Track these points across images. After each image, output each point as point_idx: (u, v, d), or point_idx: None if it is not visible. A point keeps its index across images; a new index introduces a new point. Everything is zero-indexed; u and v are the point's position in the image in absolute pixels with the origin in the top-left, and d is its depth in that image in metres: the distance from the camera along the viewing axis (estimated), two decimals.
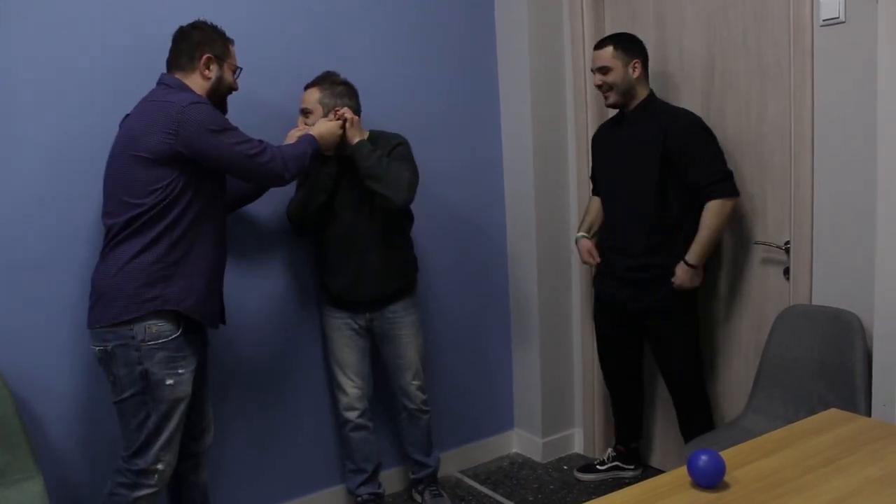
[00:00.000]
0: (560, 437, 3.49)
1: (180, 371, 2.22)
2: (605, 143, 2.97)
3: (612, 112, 2.96)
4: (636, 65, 2.74)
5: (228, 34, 2.38)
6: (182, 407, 2.24)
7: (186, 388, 2.24)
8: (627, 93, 2.76)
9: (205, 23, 2.34)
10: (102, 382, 2.43)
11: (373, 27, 2.99)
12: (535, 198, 3.28)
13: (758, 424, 2.45)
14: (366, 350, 2.86)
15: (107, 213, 2.21)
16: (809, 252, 2.50)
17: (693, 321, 2.82)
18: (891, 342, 2.04)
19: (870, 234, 2.27)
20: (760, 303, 2.76)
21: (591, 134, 3.21)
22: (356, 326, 2.80)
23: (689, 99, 2.89)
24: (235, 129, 2.23)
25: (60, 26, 2.38)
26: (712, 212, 2.63)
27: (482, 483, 3.26)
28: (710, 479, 1.50)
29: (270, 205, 2.80)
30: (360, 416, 2.84)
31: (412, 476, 3.06)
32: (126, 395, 2.20)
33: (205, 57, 2.28)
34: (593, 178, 3.09)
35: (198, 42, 2.29)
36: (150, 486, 2.21)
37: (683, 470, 1.58)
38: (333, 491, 3.04)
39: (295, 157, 2.36)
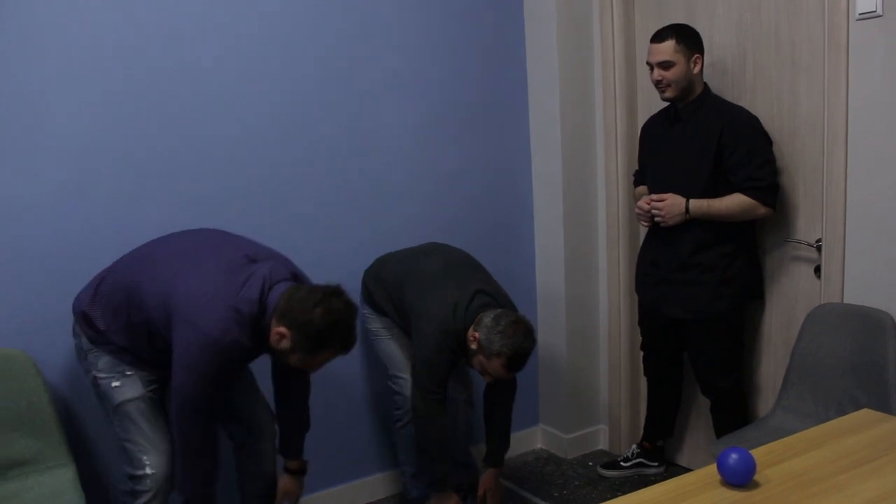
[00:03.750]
0: (585, 433, 3.48)
1: (128, 373, 2.20)
2: (656, 137, 2.86)
3: (646, 105, 2.90)
4: (697, 59, 2.63)
5: (264, 30, 2.36)
6: (141, 406, 2.20)
7: (138, 388, 2.20)
8: (686, 88, 2.65)
9: (337, 309, 2.06)
10: None
11: (402, 23, 2.99)
12: (562, 195, 3.27)
13: (787, 422, 2.43)
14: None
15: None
16: (842, 250, 2.47)
17: (736, 339, 2.77)
18: None
19: None
20: (791, 301, 2.73)
21: (619, 131, 3.20)
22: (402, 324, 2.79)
23: (719, 94, 2.85)
24: (206, 382, 2.05)
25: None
26: (737, 200, 2.57)
27: (507, 479, 3.26)
28: (741, 478, 1.49)
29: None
30: None
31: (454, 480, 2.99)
32: (97, 399, 2.28)
33: (280, 328, 2.06)
34: (640, 170, 3.01)
35: (294, 313, 2.04)
36: (144, 491, 2.19)
37: (713, 468, 1.56)
38: (373, 480, 3.10)
39: (196, 455, 2.12)
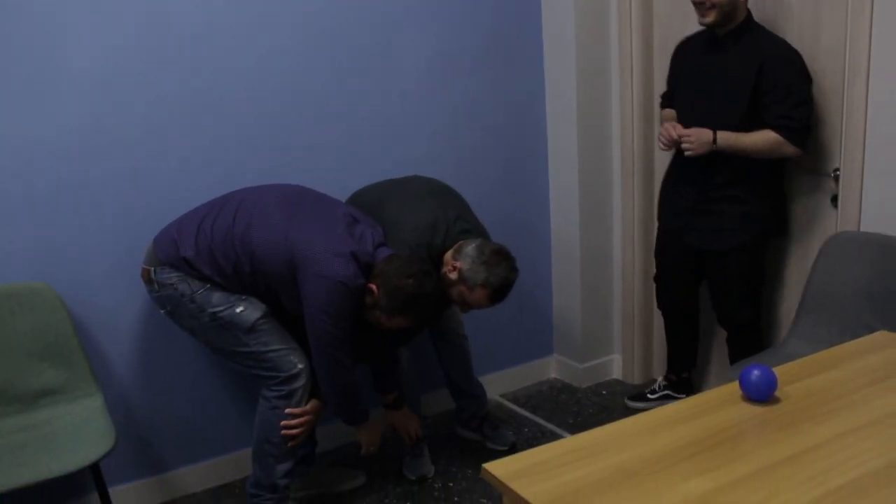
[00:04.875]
0: (599, 363, 3.54)
1: (244, 297, 2.34)
2: (691, 62, 2.77)
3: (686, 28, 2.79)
4: None
5: (282, 38, 2.54)
6: (270, 318, 2.36)
7: (260, 306, 2.35)
8: (730, 13, 2.52)
9: (428, 287, 2.29)
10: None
11: None
12: (577, 127, 3.24)
13: (801, 349, 2.46)
14: None
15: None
16: (860, 179, 2.47)
17: (758, 272, 2.77)
18: None
19: None
20: (806, 231, 2.75)
21: (635, 62, 3.16)
22: None
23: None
24: (345, 327, 2.26)
25: None
26: (766, 136, 2.51)
27: (522, 406, 3.34)
28: (762, 394, 1.53)
29: None
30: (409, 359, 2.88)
31: (464, 413, 3.05)
32: (222, 345, 2.41)
33: (373, 285, 2.27)
34: (669, 93, 2.93)
35: (389, 277, 2.26)
36: (300, 386, 2.37)
37: (734, 385, 1.60)
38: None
39: (345, 390, 2.37)
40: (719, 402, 1.56)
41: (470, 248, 2.43)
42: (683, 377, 3.19)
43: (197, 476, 2.76)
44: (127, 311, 2.57)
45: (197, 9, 2.53)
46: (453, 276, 2.43)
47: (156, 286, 2.31)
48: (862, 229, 2.48)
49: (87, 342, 2.48)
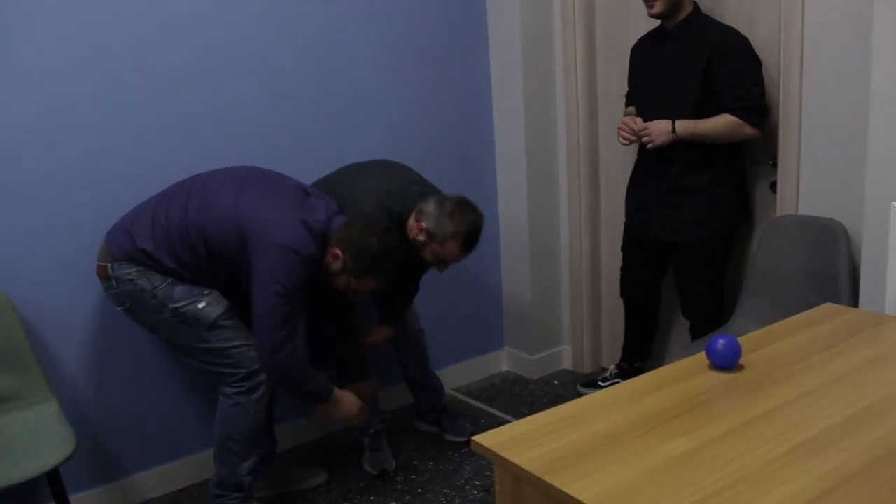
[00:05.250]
0: (549, 354, 3.62)
1: (206, 292, 2.31)
2: (644, 58, 2.87)
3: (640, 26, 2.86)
4: None
5: (235, 28, 2.54)
6: (232, 315, 2.35)
7: (223, 302, 2.34)
8: (675, 4, 2.63)
9: (390, 244, 2.30)
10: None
11: None
12: (524, 123, 3.32)
13: (747, 328, 2.58)
14: None
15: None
16: (796, 165, 2.61)
17: (724, 260, 2.84)
18: (878, 245, 2.16)
19: (856, 146, 2.37)
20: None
21: (578, 51, 3.25)
22: None
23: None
24: (294, 300, 2.23)
25: None
26: (724, 120, 2.59)
27: (477, 399, 3.39)
28: (728, 361, 1.61)
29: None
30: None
31: (422, 405, 3.07)
32: (183, 341, 2.38)
33: (336, 250, 2.28)
34: (630, 91, 3.02)
35: (351, 239, 2.28)
36: (262, 382, 2.34)
37: (700, 356, 1.68)
38: None
39: (293, 376, 2.30)
40: (687, 371, 1.64)
41: (430, 206, 2.47)
42: (636, 366, 3.27)
43: (155, 481, 2.71)
44: (79, 311, 2.51)
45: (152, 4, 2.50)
46: (422, 237, 2.47)
47: (113, 283, 2.27)
48: (800, 212, 2.61)
49: (38, 346, 2.41)
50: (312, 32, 2.86)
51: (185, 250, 2.24)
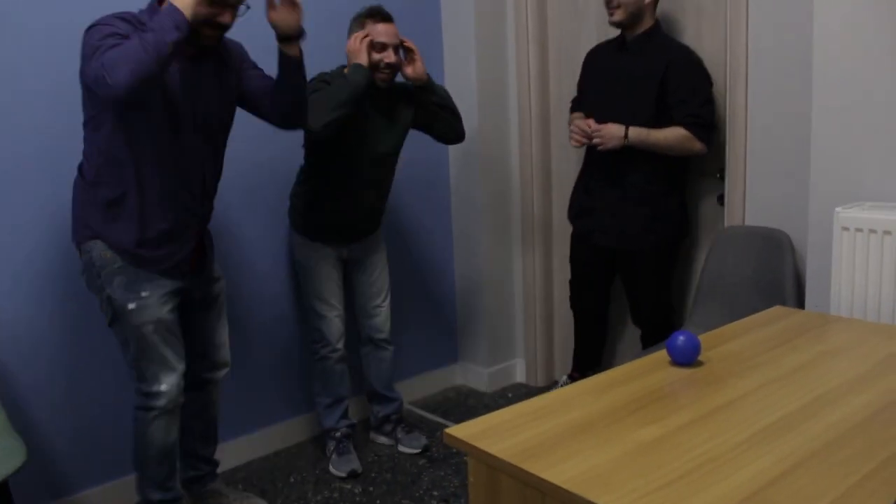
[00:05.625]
0: (503, 367, 3.65)
1: (143, 294, 2.15)
2: (601, 65, 2.93)
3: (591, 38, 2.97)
4: None
5: None
6: (156, 329, 2.17)
7: (155, 312, 2.17)
8: (635, 15, 2.70)
9: None
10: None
11: None
12: (479, 139, 3.38)
13: (699, 333, 2.66)
14: (343, 282, 2.89)
15: None
16: (743, 179, 2.71)
17: (671, 270, 2.92)
18: (822, 253, 2.27)
19: (799, 159, 2.49)
20: (696, 227, 2.97)
21: (531, 62, 3.33)
22: (337, 256, 2.83)
23: None
24: (110, 36, 1.89)
25: None
26: (675, 132, 2.67)
27: (432, 412, 3.39)
28: (688, 357, 1.66)
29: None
30: (344, 347, 2.88)
31: (379, 415, 3.07)
32: (107, 320, 2.21)
33: None
34: (579, 97, 3.07)
35: None
36: (158, 407, 2.22)
37: (661, 353, 1.73)
38: (294, 422, 3.12)
39: (125, 56, 1.81)
40: (649, 368, 1.68)
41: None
42: (588, 375, 3.31)
43: (106, 496, 2.62)
44: (30, 321, 2.44)
45: None
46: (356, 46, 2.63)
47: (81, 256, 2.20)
48: (747, 223, 2.72)
49: None
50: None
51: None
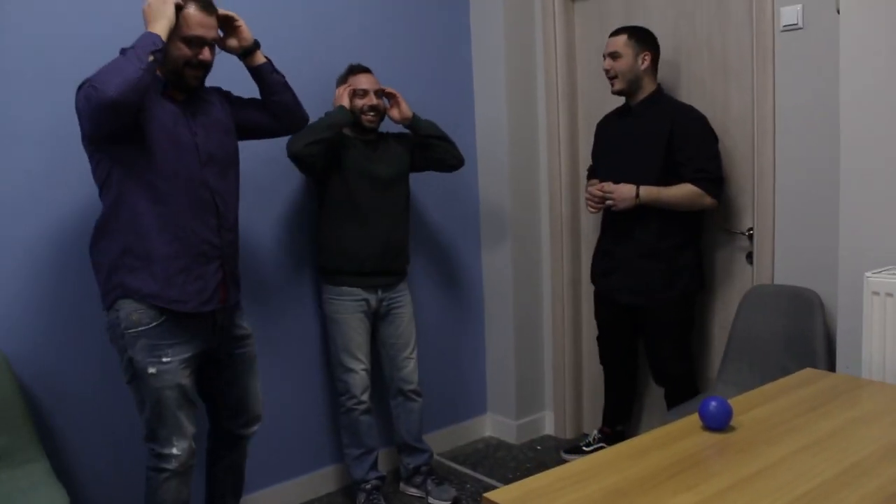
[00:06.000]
0: (532, 419, 3.66)
1: (165, 360, 2.18)
2: (610, 132, 3.06)
3: (604, 104, 3.05)
4: (645, 57, 2.83)
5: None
6: (175, 395, 2.20)
7: (175, 378, 2.19)
8: (634, 82, 2.85)
9: None
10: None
11: (361, 19, 3.14)
12: (510, 195, 3.46)
13: (729, 393, 2.66)
14: (370, 335, 2.95)
15: None
16: (771, 237, 2.75)
17: (689, 324, 2.96)
18: (852, 313, 2.29)
19: (827, 218, 2.52)
20: (726, 286, 3.00)
21: (561, 126, 3.42)
22: (366, 308, 2.90)
23: None
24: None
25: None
26: (686, 189, 2.75)
27: (461, 464, 3.40)
28: (720, 422, 1.68)
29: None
30: (369, 399, 2.92)
31: (409, 466, 3.10)
32: (126, 378, 2.25)
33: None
34: (594, 165, 3.18)
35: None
36: (169, 469, 2.24)
37: (693, 418, 1.76)
38: (323, 473, 3.15)
39: (111, 68, 1.95)
40: (681, 433, 1.71)
41: None
42: (618, 430, 3.34)
43: None
44: (73, 371, 2.51)
45: None
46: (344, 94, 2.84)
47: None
48: (775, 282, 2.74)
49: (31, 407, 2.40)
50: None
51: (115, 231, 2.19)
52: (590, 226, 3.48)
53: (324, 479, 3.16)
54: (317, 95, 2.91)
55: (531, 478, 1.49)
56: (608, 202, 2.85)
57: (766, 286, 2.75)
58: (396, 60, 3.26)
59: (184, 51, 2.14)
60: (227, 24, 2.30)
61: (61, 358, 2.48)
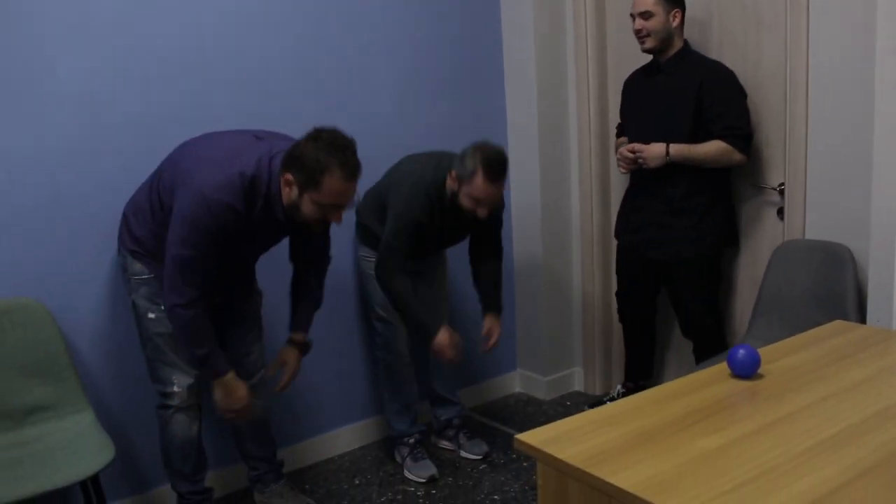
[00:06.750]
0: (561, 375, 3.71)
1: (164, 307, 2.27)
2: (638, 90, 3.05)
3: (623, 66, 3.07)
4: (676, 14, 2.80)
5: (272, 55, 2.57)
6: (172, 339, 2.33)
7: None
8: (665, 41, 2.83)
9: (329, 138, 2.08)
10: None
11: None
12: (538, 155, 3.46)
13: (757, 347, 2.68)
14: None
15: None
16: (803, 192, 2.73)
17: (717, 278, 2.99)
18: (884, 267, 2.29)
19: (860, 173, 2.50)
20: (755, 241, 3.00)
21: (591, 79, 3.41)
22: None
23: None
24: (195, 255, 2.12)
25: None
26: (715, 145, 2.74)
27: (492, 419, 3.47)
28: (748, 370, 1.71)
29: None
30: (408, 352, 2.98)
31: (441, 418, 3.16)
32: (134, 320, 2.41)
33: (285, 175, 2.11)
34: (622, 123, 3.18)
35: (291, 153, 2.10)
36: (172, 405, 2.40)
37: (721, 366, 1.79)
38: (363, 425, 3.25)
39: (185, 336, 2.22)
40: (710, 380, 1.74)
41: (457, 159, 2.65)
42: (640, 385, 3.37)
43: None
44: (111, 319, 2.60)
45: (183, 32, 2.63)
46: (455, 185, 2.63)
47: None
48: (806, 237, 2.73)
49: (75, 358, 2.49)
50: (332, 71, 3.00)
51: (153, 220, 2.30)
52: (620, 181, 3.47)
53: (364, 431, 3.25)
54: (344, 102, 2.98)
55: (561, 420, 1.54)
56: (639, 161, 2.86)
57: (798, 241, 2.74)
58: (420, 19, 3.24)
59: (316, 213, 2.14)
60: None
61: (100, 309, 2.58)
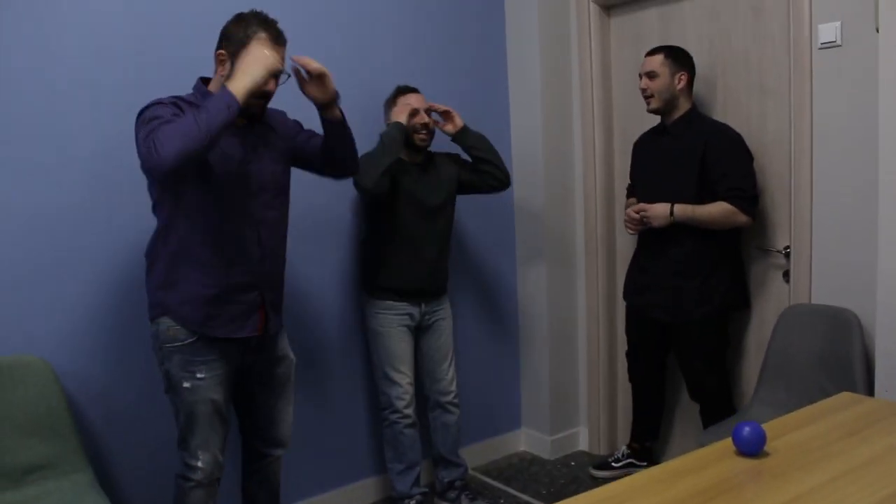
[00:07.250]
0: (566, 435, 3.66)
1: (199, 376, 2.21)
2: (646, 151, 3.09)
3: (634, 124, 3.11)
4: (682, 77, 2.86)
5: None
6: (207, 411, 2.24)
7: (207, 394, 2.23)
8: (669, 102, 2.87)
9: (249, 14, 2.16)
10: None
11: (395, 39, 3.19)
12: (544, 217, 3.48)
13: (764, 413, 2.65)
14: (413, 346, 2.99)
15: None
16: (808, 255, 2.72)
17: (724, 341, 2.96)
18: (891, 333, 2.26)
19: (866, 237, 2.50)
20: (762, 304, 2.98)
21: (597, 142, 3.43)
22: (410, 322, 2.94)
23: None
24: (161, 117, 1.99)
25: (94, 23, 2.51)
26: (720, 206, 2.75)
27: (495, 479, 3.41)
28: (754, 447, 1.68)
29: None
30: (413, 413, 2.95)
31: (444, 480, 3.12)
32: (164, 388, 2.32)
33: (217, 53, 2.18)
34: (632, 184, 3.21)
35: (221, 34, 2.18)
36: (194, 480, 2.29)
37: (726, 442, 1.76)
38: (364, 484, 3.20)
39: (177, 131, 1.92)
40: (715, 457, 1.71)
41: None
42: (646, 446, 3.34)
43: None
44: (119, 382, 2.59)
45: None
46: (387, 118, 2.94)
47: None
48: (813, 301, 2.72)
49: (76, 417, 2.47)
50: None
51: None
52: (625, 242, 3.47)
53: (365, 490, 3.20)
54: (360, 118, 2.94)
55: (566, 501, 1.50)
56: (644, 220, 2.87)
57: (803, 305, 2.72)
58: (433, 78, 3.29)
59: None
60: (316, 76, 2.25)
61: (105, 369, 2.56)
